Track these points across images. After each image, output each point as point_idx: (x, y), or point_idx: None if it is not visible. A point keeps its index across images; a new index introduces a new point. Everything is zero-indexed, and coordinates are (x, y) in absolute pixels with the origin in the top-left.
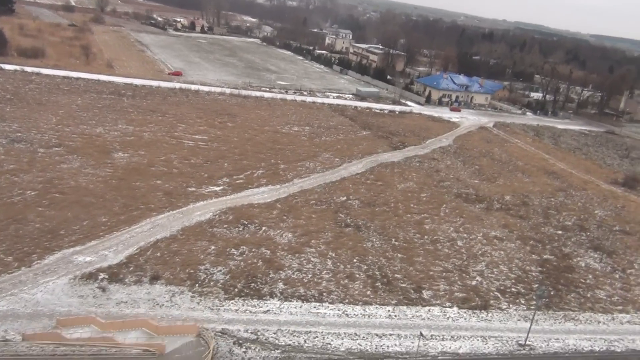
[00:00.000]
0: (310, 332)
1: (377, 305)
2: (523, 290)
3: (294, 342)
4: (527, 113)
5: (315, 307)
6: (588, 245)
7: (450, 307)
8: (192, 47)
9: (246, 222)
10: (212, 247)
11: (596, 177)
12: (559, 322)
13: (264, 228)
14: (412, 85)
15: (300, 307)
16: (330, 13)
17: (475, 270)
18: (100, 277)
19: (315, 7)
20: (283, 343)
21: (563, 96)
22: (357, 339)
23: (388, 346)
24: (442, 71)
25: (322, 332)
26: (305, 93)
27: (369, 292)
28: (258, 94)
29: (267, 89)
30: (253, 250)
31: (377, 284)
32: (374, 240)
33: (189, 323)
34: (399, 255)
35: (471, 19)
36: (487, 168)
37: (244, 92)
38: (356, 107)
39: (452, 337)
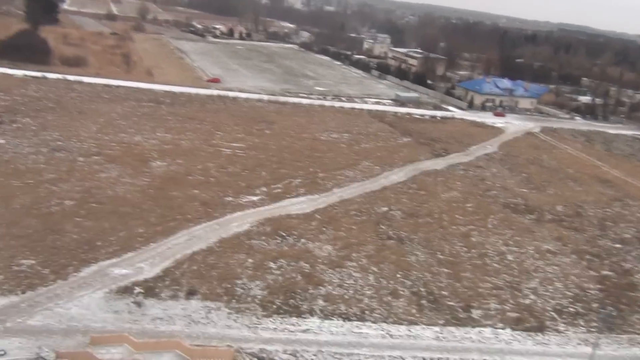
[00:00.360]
0: (352, 354)
1: (424, 326)
2: (582, 310)
3: None
4: (576, 118)
5: (357, 326)
6: None
7: (502, 328)
8: (231, 53)
9: (284, 234)
10: (250, 260)
11: None
12: (624, 347)
13: (302, 240)
14: (453, 89)
15: (342, 327)
16: (368, 18)
17: (528, 288)
18: (135, 291)
19: (353, 12)
20: None
21: (613, 100)
22: None
23: None
24: (485, 75)
25: (365, 355)
26: (343, 99)
27: (414, 311)
28: (296, 100)
29: (305, 95)
30: (292, 263)
31: (422, 302)
32: (418, 253)
33: (223, 347)
34: (445, 270)
35: (513, 21)
36: (535, 176)
37: (281, 99)
38: (396, 112)
39: None
